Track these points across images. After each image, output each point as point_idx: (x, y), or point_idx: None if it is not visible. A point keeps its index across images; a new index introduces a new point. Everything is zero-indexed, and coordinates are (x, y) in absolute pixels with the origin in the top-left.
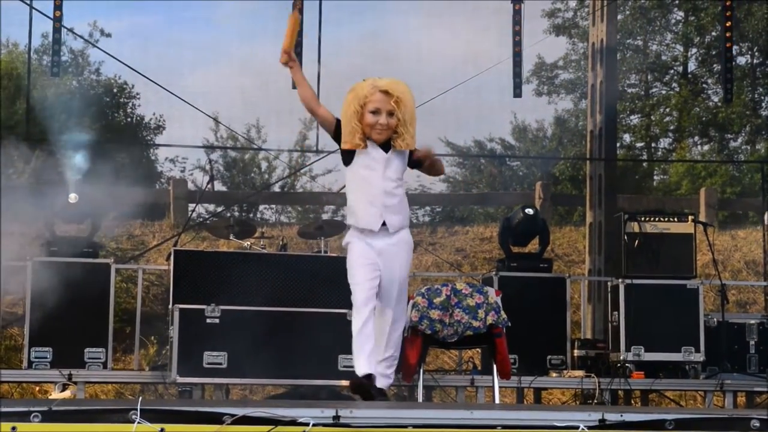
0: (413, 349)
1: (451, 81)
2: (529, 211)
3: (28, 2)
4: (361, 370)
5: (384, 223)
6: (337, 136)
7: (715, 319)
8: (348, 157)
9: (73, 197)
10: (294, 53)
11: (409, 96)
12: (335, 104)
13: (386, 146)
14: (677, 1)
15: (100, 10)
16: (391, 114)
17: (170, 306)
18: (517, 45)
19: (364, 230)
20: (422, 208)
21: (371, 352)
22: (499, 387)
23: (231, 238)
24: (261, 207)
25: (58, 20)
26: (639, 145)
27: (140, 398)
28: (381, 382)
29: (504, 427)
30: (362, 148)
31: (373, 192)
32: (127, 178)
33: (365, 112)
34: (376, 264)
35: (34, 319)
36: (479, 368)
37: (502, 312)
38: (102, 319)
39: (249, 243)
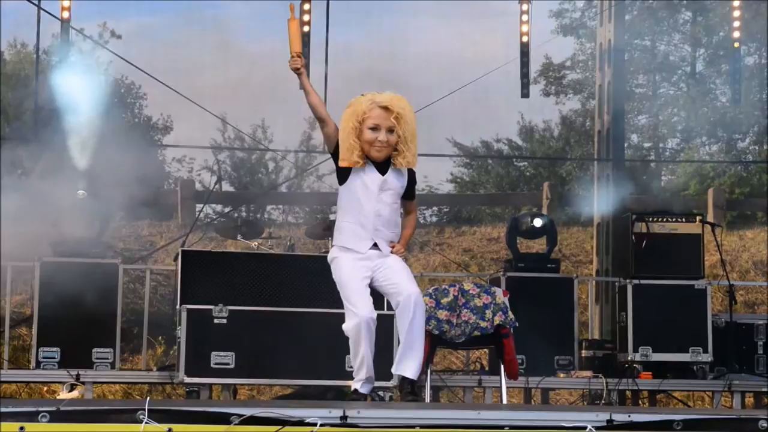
0: None
1: (458, 81)
2: (538, 222)
3: (36, 3)
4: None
5: (375, 245)
6: (336, 152)
7: (723, 320)
8: (343, 175)
9: (81, 193)
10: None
11: (409, 112)
12: (342, 106)
13: (384, 166)
14: (685, 2)
15: (108, 11)
16: (390, 131)
17: (178, 306)
18: (525, 45)
19: (351, 249)
20: (429, 208)
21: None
22: (507, 387)
23: (238, 238)
24: (268, 207)
25: (66, 21)
26: (647, 145)
27: (148, 398)
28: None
29: (511, 427)
30: (360, 166)
31: (365, 214)
32: (134, 179)
33: (364, 129)
34: (369, 275)
35: (42, 320)
36: (487, 368)
37: (510, 312)
38: (110, 319)
39: (256, 243)
